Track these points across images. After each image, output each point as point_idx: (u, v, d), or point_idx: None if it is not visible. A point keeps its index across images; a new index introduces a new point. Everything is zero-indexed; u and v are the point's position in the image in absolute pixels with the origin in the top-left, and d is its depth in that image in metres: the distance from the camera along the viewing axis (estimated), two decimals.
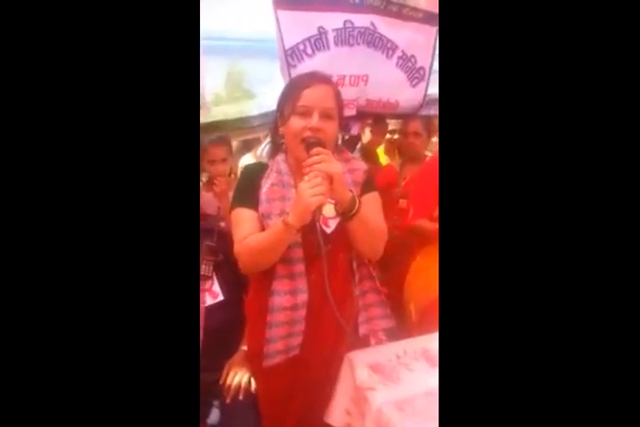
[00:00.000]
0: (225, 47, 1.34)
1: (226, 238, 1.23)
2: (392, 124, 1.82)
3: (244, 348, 1.12)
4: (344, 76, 1.33)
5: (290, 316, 0.92)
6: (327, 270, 0.84)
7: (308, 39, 1.25)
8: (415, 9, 1.34)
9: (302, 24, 1.23)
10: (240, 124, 1.56)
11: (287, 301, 0.92)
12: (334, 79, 1.32)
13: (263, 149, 1.87)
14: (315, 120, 0.87)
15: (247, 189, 0.95)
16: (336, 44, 1.29)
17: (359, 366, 0.92)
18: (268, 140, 1.71)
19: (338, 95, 0.94)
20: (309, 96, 0.88)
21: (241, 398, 1.03)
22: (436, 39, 1.39)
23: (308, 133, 0.87)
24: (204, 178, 1.56)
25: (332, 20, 1.27)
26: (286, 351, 0.94)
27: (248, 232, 0.90)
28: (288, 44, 1.22)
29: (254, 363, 1.01)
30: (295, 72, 1.24)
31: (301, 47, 1.24)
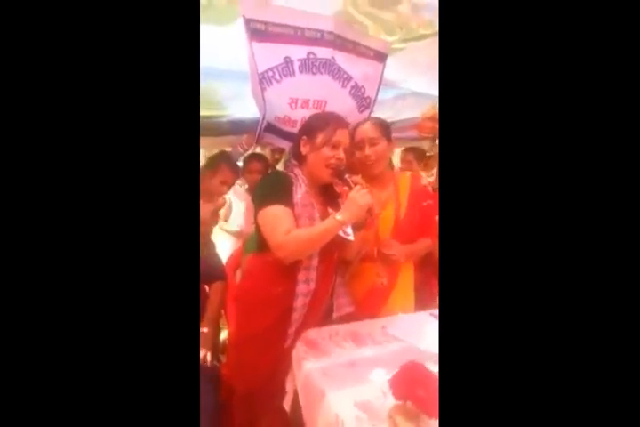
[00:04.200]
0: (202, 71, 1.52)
1: None
2: None
3: (204, 330, 1.32)
4: (308, 100, 1.54)
5: (304, 301, 1.15)
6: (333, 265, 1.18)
7: (276, 67, 1.45)
8: (368, 47, 1.58)
9: (271, 54, 1.42)
10: (210, 129, 1.72)
11: (304, 288, 1.15)
12: (300, 102, 1.54)
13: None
14: (341, 153, 1.17)
15: (281, 191, 1.13)
16: (301, 71, 1.50)
17: (299, 342, 1.13)
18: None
19: (352, 137, 1.27)
20: (343, 134, 1.18)
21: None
22: (382, 74, 1.65)
23: (333, 161, 1.16)
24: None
25: (297, 52, 1.48)
26: (293, 334, 1.16)
27: (290, 226, 1.07)
28: (260, 71, 1.42)
29: (268, 343, 1.17)
30: (267, 95, 1.43)
31: (270, 74, 1.44)
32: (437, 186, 2.10)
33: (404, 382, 0.77)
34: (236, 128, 1.71)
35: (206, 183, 1.61)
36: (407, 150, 2.17)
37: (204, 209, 1.65)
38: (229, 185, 1.76)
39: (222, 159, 1.72)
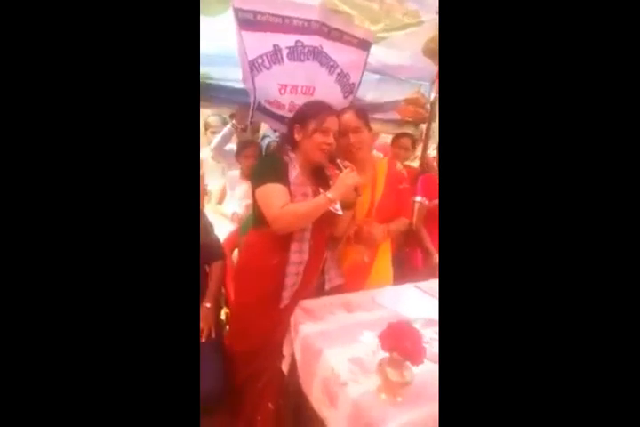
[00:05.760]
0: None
1: None
2: None
3: (207, 305, 1.42)
4: (297, 86, 1.62)
5: (297, 269, 1.27)
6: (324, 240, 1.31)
7: (266, 54, 1.51)
8: (353, 36, 1.65)
9: (260, 42, 1.48)
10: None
11: (298, 257, 1.27)
12: (288, 88, 1.61)
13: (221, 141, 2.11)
14: (331, 139, 1.27)
15: (278, 171, 1.24)
16: (289, 59, 1.56)
17: (297, 310, 1.25)
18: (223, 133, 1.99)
19: (340, 123, 1.34)
20: (332, 122, 1.28)
21: (203, 340, 1.34)
22: (366, 61, 1.72)
23: (325, 146, 1.26)
24: None
25: (285, 40, 1.54)
26: (288, 298, 1.28)
27: (285, 202, 1.18)
28: (250, 58, 1.48)
29: (265, 308, 1.30)
30: (257, 81, 1.50)
31: (260, 61, 1.50)
32: (420, 169, 2.22)
33: (392, 336, 0.89)
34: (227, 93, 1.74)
35: None
36: (400, 136, 2.21)
37: None
38: None
39: None
